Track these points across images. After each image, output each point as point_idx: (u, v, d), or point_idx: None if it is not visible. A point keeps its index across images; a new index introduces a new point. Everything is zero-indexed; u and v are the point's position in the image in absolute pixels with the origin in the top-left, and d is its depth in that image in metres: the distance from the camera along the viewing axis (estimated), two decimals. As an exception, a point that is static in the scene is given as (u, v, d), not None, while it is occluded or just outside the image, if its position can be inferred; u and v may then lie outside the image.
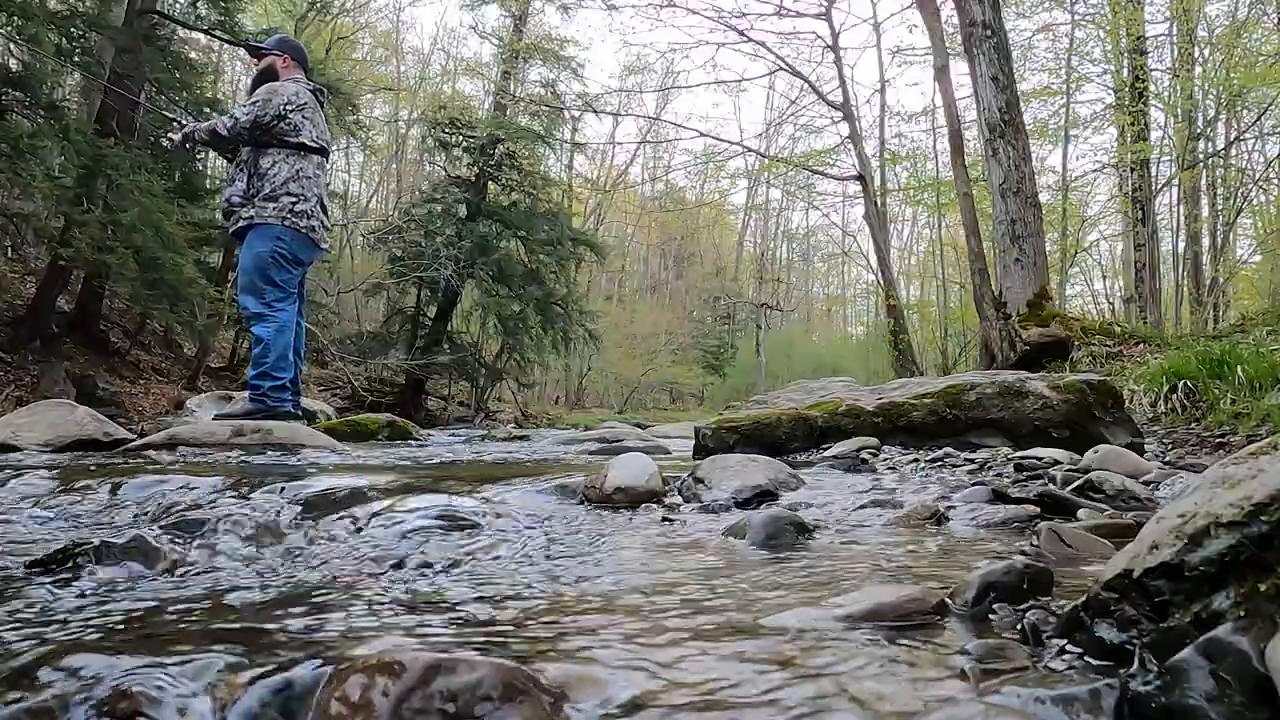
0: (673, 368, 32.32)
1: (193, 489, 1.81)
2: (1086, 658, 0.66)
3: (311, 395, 9.36)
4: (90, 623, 0.87)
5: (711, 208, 35.42)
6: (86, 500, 1.76)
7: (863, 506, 1.72)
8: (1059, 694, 0.58)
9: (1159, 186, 16.10)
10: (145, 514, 1.66)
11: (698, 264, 40.86)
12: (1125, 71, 15.64)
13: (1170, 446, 3.75)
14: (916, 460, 2.65)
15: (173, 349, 14.35)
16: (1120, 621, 0.65)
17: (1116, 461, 2.15)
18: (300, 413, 4.46)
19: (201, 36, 13.61)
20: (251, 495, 1.75)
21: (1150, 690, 0.57)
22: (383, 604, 0.95)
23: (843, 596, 0.86)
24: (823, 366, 25.59)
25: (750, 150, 21.56)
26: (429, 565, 1.20)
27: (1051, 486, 1.83)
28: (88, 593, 1.03)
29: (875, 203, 16.29)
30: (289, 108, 4.40)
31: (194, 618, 0.89)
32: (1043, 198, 10.14)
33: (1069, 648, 0.68)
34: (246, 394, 4.53)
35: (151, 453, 3.09)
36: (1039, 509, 1.58)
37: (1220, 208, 17.06)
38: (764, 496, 1.81)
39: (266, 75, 4.59)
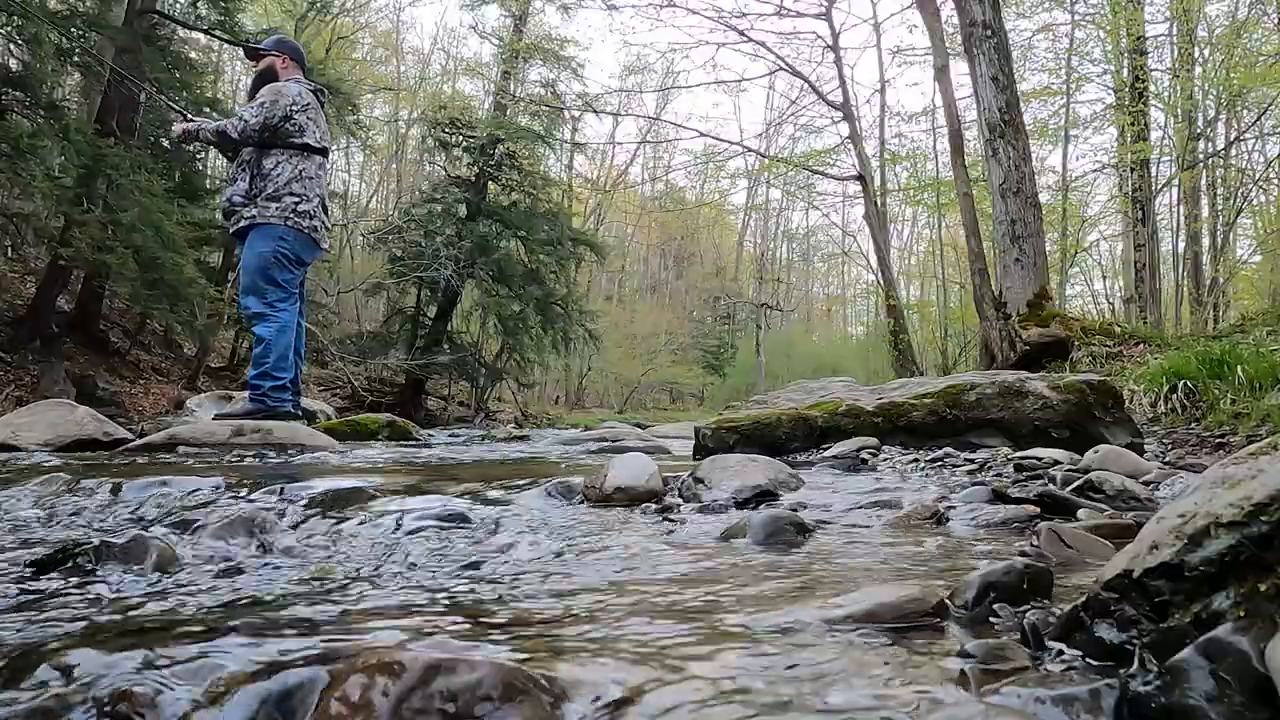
0: (673, 368, 32.33)
1: (193, 489, 1.81)
2: (1086, 658, 0.66)
3: (311, 395, 9.36)
4: (90, 622, 0.87)
5: (711, 208, 35.42)
6: (86, 500, 1.76)
7: (862, 507, 1.72)
8: (1059, 694, 0.58)
9: (1159, 186, 16.10)
10: (145, 514, 1.66)
11: (698, 264, 40.86)
12: (1125, 71, 15.64)
13: (1170, 446, 3.75)
14: (916, 460, 2.65)
15: (173, 349, 14.35)
16: (1120, 622, 0.65)
17: (1116, 462, 2.15)
18: (300, 413, 4.46)
19: (201, 36, 13.61)
20: (251, 495, 1.75)
21: (1150, 690, 0.57)
22: (382, 604, 0.95)
23: (843, 597, 0.86)
24: (823, 366, 25.60)
25: (750, 150, 21.56)
26: (429, 565, 1.20)
27: (1051, 487, 1.83)
28: (88, 592, 1.03)
29: (875, 203, 16.29)
30: (294, 109, 4.40)
31: (194, 617, 0.89)
32: (1043, 198, 10.14)
33: (1069, 648, 0.68)
34: (246, 394, 4.53)
35: (151, 453, 3.09)
36: (1039, 509, 1.58)
37: (1220, 208, 17.06)
38: (764, 496, 1.81)
39: (266, 76, 4.59)
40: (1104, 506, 1.64)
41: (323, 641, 0.77)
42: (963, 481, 2.13)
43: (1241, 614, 0.56)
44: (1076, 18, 16.94)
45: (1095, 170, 19.47)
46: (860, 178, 16.21)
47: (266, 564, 1.24)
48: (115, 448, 3.25)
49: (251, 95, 4.59)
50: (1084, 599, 0.70)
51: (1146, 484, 1.93)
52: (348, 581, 1.10)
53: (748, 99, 52.20)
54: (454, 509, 1.56)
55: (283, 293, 4.36)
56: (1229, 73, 14.82)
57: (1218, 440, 3.73)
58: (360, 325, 19.74)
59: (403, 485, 1.85)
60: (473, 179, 18.32)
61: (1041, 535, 1.19)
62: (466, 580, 1.10)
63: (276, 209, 4.32)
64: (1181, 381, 4.81)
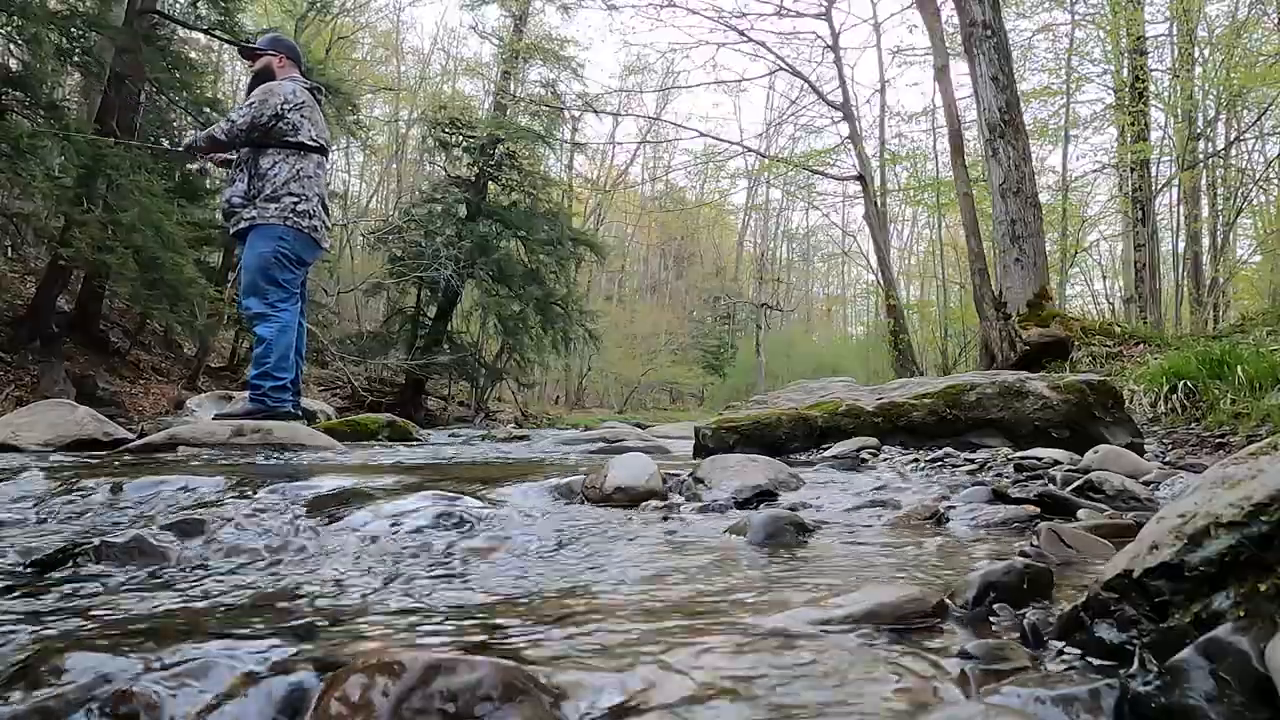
0: (673, 368, 32.33)
1: (193, 489, 1.81)
2: (1086, 658, 0.66)
3: (311, 395, 9.36)
4: (90, 622, 0.87)
5: (711, 208, 35.43)
6: (86, 500, 1.76)
7: (862, 507, 1.72)
8: (1059, 694, 0.58)
9: (1159, 186, 16.10)
10: (145, 514, 1.66)
11: (698, 264, 40.87)
12: (1125, 71, 15.64)
13: (1170, 447, 3.75)
14: (916, 460, 2.65)
15: (173, 349, 14.35)
16: (1120, 622, 0.65)
17: (1116, 462, 2.15)
18: (300, 413, 4.46)
19: (201, 36, 13.61)
20: (251, 495, 1.75)
21: (1150, 690, 0.57)
22: (383, 604, 0.95)
23: (843, 596, 0.86)
24: (823, 366, 25.60)
25: (750, 150, 21.57)
26: (428, 564, 1.20)
27: (1051, 487, 1.83)
28: (88, 592, 1.03)
29: (875, 203, 16.29)
30: (286, 107, 4.38)
31: (194, 617, 0.89)
32: (1043, 198, 10.14)
33: (1069, 648, 0.68)
34: (247, 394, 4.52)
35: (152, 453, 3.09)
36: (1039, 509, 1.58)
37: (1220, 208, 17.07)
38: (764, 496, 1.81)
39: (263, 76, 4.58)
40: (1104, 506, 1.64)
41: (323, 641, 0.77)
42: (963, 481, 2.13)
43: (1241, 614, 0.56)
44: (1076, 18, 16.95)
45: (1095, 170, 19.49)
46: (860, 178, 16.21)
47: (267, 564, 1.24)
48: (115, 448, 3.25)
49: (249, 94, 4.58)
50: (1084, 599, 0.70)
51: (1146, 484, 1.93)
52: (348, 581, 1.10)
53: (748, 99, 52.31)
54: (454, 509, 1.56)
55: (283, 293, 4.36)
56: (1229, 73, 14.82)
57: (1218, 440, 3.73)
58: (360, 325, 19.74)
59: (403, 485, 1.85)
60: (473, 179, 18.32)
61: (1041, 535, 1.19)
62: (466, 580, 1.10)
63: (275, 209, 4.32)
64: (1181, 381, 4.81)
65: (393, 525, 1.47)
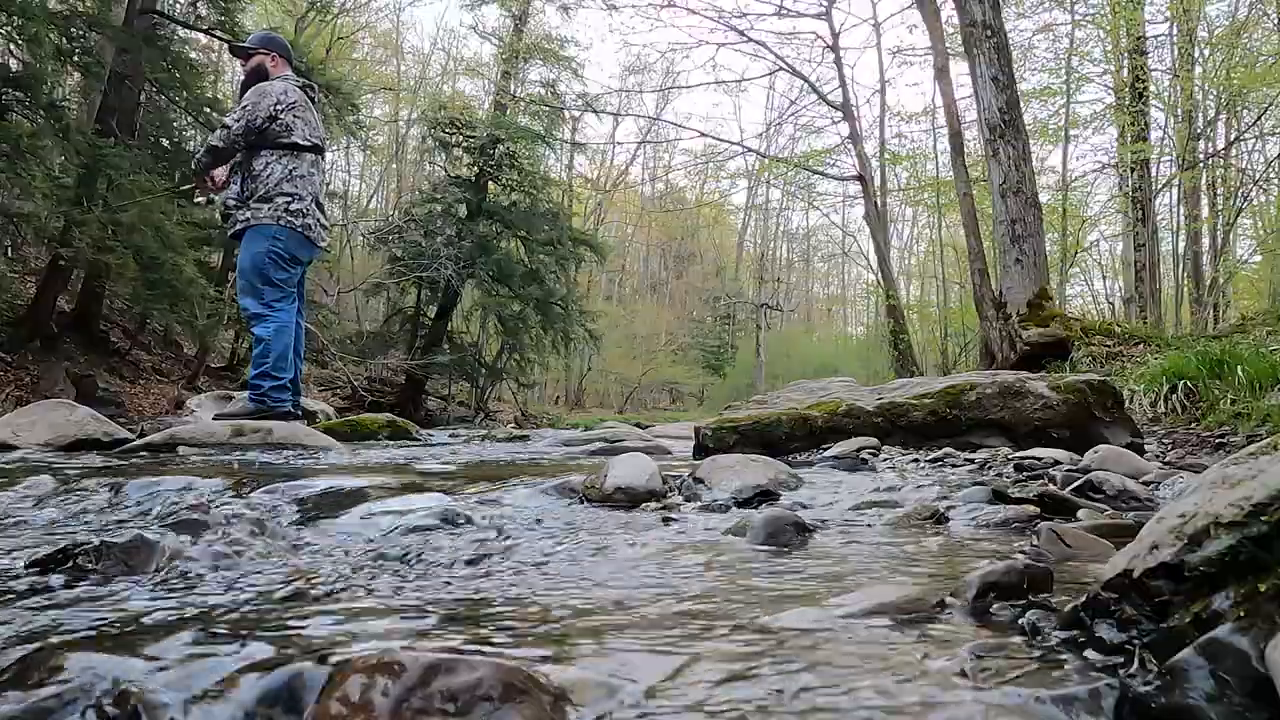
0: (673, 368, 32.35)
1: (193, 489, 1.81)
2: (1087, 658, 0.66)
3: (311, 395, 9.36)
4: (90, 622, 0.87)
5: (711, 208, 35.46)
6: (87, 500, 1.76)
7: (863, 506, 1.72)
8: (1059, 694, 0.58)
9: (1159, 186, 16.11)
10: (145, 514, 1.66)
11: (698, 264, 40.88)
12: (1125, 72, 15.64)
13: (1170, 447, 3.75)
14: (916, 460, 2.65)
15: (173, 349, 14.36)
16: (1120, 621, 0.65)
17: (1116, 462, 2.15)
18: (300, 413, 4.46)
19: (201, 36, 13.62)
20: (251, 495, 1.75)
21: (1150, 690, 0.57)
22: (383, 603, 0.95)
23: (843, 596, 0.86)
24: (823, 366, 25.61)
25: (750, 150, 21.61)
26: (428, 564, 1.20)
27: (1051, 487, 1.83)
28: (88, 592, 1.03)
29: (875, 203, 16.30)
30: (279, 108, 4.37)
31: (194, 617, 0.89)
32: (1043, 198, 10.14)
33: (1069, 648, 0.68)
34: (246, 394, 4.52)
35: (152, 453, 3.09)
36: (1039, 509, 1.58)
37: (1220, 208, 17.06)
38: (764, 496, 1.81)
39: (257, 75, 4.56)
40: (1104, 506, 1.64)
41: (323, 641, 0.77)
42: (963, 481, 2.13)
43: (1241, 614, 0.56)
44: (1076, 18, 16.96)
45: (1095, 170, 19.50)
46: (860, 178, 16.22)
47: (267, 563, 1.24)
48: (115, 448, 3.25)
49: (242, 95, 4.56)
50: (1084, 599, 0.70)
51: (1146, 484, 1.93)
52: (347, 581, 1.10)
53: (748, 99, 52.37)
54: (454, 509, 1.56)
55: (279, 292, 4.36)
56: (1229, 73, 14.83)
57: (1218, 440, 3.73)
58: (360, 325, 19.75)
59: (402, 485, 1.85)
60: (473, 179, 18.33)
61: (1041, 535, 1.19)
62: (466, 580, 1.10)
63: (269, 210, 4.32)
64: (1181, 381, 4.81)
65: (392, 525, 1.47)
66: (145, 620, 0.88)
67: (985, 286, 8.37)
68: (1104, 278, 22.15)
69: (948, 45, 10.69)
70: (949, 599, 0.84)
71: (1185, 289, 17.87)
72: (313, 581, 1.10)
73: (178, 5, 12.46)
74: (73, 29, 9.95)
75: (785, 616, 0.82)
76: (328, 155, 4.79)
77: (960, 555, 1.23)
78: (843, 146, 18.58)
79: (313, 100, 4.64)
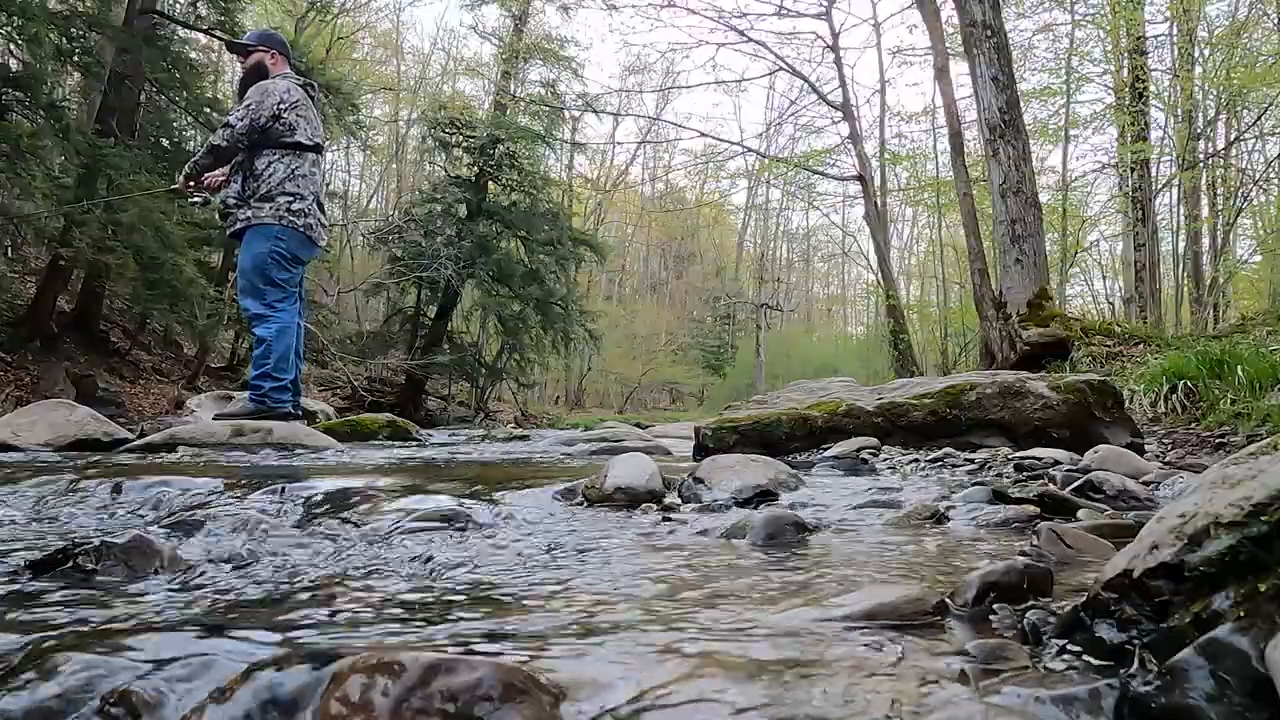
0: (673, 368, 32.35)
1: (193, 489, 1.81)
2: (1086, 658, 0.66)
3: (311, 395, 9.36)
4: (90, 622, 0.87)
5: (711, 208, 35.46)
6: (87, 500, 1.76)
7: (863, 506, 1.72)
8: (1059, 694, 0.58)
9: (1159, 186, 16.11)
10: (146, 514, 1.66)
11: (698, 264, 40.88)
12: (1125, 72, 15.64)
13: (1170, 446, 3.75)
14: (916, 460, 2.66)
15: (173, 349, 14.36)
16: (1120, 621, 0.65)
17: (1116, 462, 2.15)
18: (300, 413, 4.46)
19: (201, 36, 13.62)
20: (251, 496, 1.75)
21: (1150, 690, 0.57)
22: (383, 603, 0.95)
23: (843, 596, 0.86)
24: (823, 366, 25.61)
25: (750, 150, 21.60)
26: (429, 565, 1.20)
27: (1051, 487, 1.83)
28: (88, 592, 1.03)
29: (875, 203, 16.31)
30: (282, 107, 4.35)
31: (194, 617, 0.89)
32: (1043, 198, 10.14)
33: (1069, 648, 0.68)
34: (247, 394, 4.52)
35: (152, 453, 3.09)
36: (1039, 509, 1.58)
37: (1220, 208, 17.06)
38: (764, 496, 1.81)
39: (257, 72, 4.54)
40: (1104, 506, 1.64)
41: (323, 641, 0.77)
42: (963, 481, 2.13)
43: (1241, 614, 0.56)
44: (1076, 18, 16.96)
45: (1095, 170, 19.49)
46: (860, 178, 16.22)
47: (267, 564, 1.24)
48: (116, 448, 3.25)
49: (241, 93, 4.53)
50: (1084, 599, 0.70)
51: (1146, 484, 1.93)
52: (347, 581, 1.10)
53: (748, 99, 52.34)
54: (453, 509, 1.56)
55: (281, 292, 4.35)
56: (1229, 73, 14.83)
57: (1218, 440, 3.73)
58: (360, 325, 19.75)
59: (402, 485, 1.85)
60: (473, 179, 18.33)
61: (1041, 535, 1.19)
62: (466, 580, 1.10)
63: (270, 209, 4.31)
64: (1181, 381, 4.81)
65: (393, 525, 1.47)
66: (145, 619, 0.88)
67: (985, 286, 8.37)
68: (1104, 278, 22.17)
69: (948, 45, 10.69)
70: (949, 599, 0.84)
71: (1185, 289, 17.87)
72: (313, 581, 1.10)
73: (178, 5, 12.46)
74: (73, 29, 9.95)
75: (785, 616, 0.82)
76: (327, 155, 4.77)
77: (960, 555, 1.23)
78: (843, 146, 18.61)
79: (313, 99, 4.63)
